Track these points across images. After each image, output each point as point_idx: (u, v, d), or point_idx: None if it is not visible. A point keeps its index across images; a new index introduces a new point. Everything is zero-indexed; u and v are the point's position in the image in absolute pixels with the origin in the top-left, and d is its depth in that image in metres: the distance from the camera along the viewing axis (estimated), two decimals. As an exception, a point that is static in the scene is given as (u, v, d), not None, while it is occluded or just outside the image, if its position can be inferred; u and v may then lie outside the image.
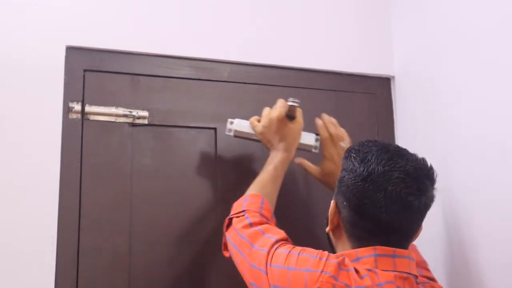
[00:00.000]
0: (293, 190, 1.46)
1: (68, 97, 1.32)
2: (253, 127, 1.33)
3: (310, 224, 1.45)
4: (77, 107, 1.32)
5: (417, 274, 1.03)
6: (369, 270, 0.97)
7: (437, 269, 1.33)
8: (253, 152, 1.45)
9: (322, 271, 0.95)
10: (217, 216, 1.38)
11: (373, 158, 1.01)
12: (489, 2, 1.25)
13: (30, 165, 1.25)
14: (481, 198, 1.23)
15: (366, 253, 0.99)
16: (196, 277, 1.36)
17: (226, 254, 1.20)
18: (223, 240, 1.22)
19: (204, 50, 1.46)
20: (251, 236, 1.10)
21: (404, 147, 1.09)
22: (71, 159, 1.29)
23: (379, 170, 0.99)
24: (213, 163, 1.42)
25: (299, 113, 1.31)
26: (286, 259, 1.00)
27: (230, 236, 1.17)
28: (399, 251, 1.00)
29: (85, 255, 1.26)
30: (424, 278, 1.13)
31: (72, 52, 1.34)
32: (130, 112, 1.36)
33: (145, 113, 1.38)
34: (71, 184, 1.28)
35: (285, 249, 1.03)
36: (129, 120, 1.36)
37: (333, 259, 0.97)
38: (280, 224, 1.19)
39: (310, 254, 1.00)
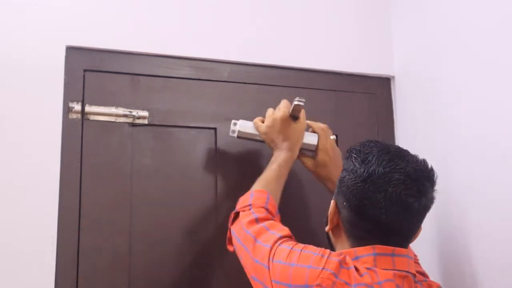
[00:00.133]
0: (293, 189, 1.45)
1: (68, 97, 1.32)
2: (256, 127, 1.34)
3: (310, 223, 1.46)
4: (77, 107, 1.32)
5: (415, 273, 1.03)
6: (368, 268, 0.98)
7: (436, 269, 1.33)
8: (253, 152, 1.45)
9: (323, 268, 0.96)
10: (217, 216, 1.38)
11: (374, 159, 1.01)
12: (489, 2, 1.25)
13: (30, 165, 1.25)
14: (481, 198, 1.23)
15: (365, 252, 1.00)
16: (196, 277, 1.36)
17: (230, 248, 1.21)
18: (228, 235, 1.22)
19: (204, 50, 1.46)
20: (255, 232, 1.11)
21: (404, 147, 1.09)
22: (71, 159, 1.29)
23: (379, 172, 1.00)
24: (213, 163, 1.42)
25: (302, 114, 1.33)
26: (288, 255, 1.01)
27: (235, 230, 1.18)
28: (398, 250, 1.00)
29: (85, 255, 1.26)
30: (420, 276, 1.13)
31: (72, 52, 1.34)
32: (130, 112, 1.36)
33: (145, 113, 1.38)
34: (71, 184, 1.28)
35: (287, 245, 1.04)
36: (129, 120, 1.36)
37: (335, 257, 0.98)
38: (281, 222, 1.19)
39: (312, 251, 1.01)
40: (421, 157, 1.05)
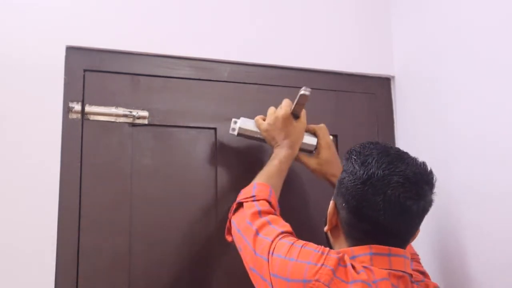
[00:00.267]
0: (293, 188, 1.45)
1: (68, 97, 1.32)
2: (258, 125, 1.35)
3: (310, 221, 1.45)
4: (77, 107, 1.32)
5: (412, 273, 1.04)
6: (365, 267, 0.99)
7: (435, 269, 1.33)
8: (253, 152, 1.45)
9: (322, 264, 0.97)
10: (217, 216, 1.38)
11: (374, 161, 1.02)
12: (489, 2, 1.25)
13: (30, 165, 1.25)
14: (481, 198, 1.23)
15: (362, 251, 1.01)
16: (196, 277, 1.36)
17: (229, 238, 1.22)
18: (227, 225, 1.23)
19: (204, 50, 1.46)
20: (258, 225, 1.11)
21: (404, 147, 1.09)
22: (71, 159, 1.29)
23: (379, 174, 1.00)
24: (213, 163, 1.42)
25: (303, 114, 1.34)
26: (288, 250, 1.02)
27: (235, 221, 1.18)
28: (394, 249, 1.01)
29: (85, 255, 1.26)
30: (417, 275, 1.14)
31: (72, 52, 1.34)
32: (130, 112, 1.36)
33: (145, 113, 1.38)
34: (71, 184, 1.28)
35: (288, 240, 1.05)
36: (129, 120, 1.36)
37: (334, 254, 0.99)
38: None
39: (312, 248, 1.01)
40: (421, 158, 1.06)
